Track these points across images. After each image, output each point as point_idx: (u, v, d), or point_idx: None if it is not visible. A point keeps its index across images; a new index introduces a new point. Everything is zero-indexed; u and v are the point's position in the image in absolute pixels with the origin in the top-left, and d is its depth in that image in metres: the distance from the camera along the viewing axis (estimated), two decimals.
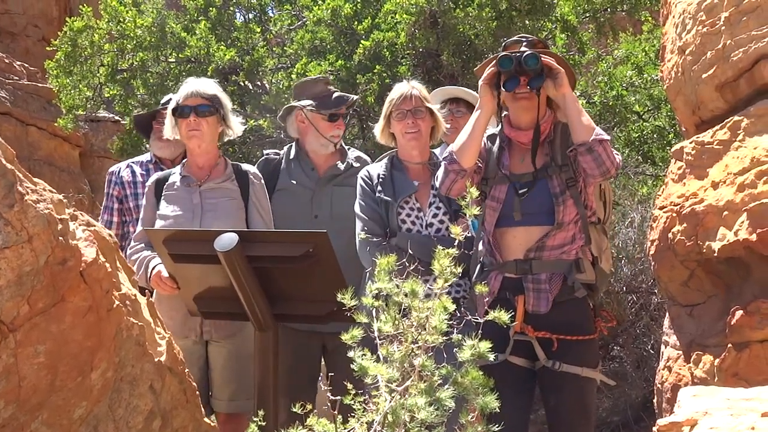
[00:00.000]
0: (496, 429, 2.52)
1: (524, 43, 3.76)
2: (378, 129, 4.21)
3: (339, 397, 2.40)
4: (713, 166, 3.84)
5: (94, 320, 2.73)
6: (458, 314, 2.62)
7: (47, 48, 9.76)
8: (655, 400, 4.56)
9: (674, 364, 4.16)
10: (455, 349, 2.49)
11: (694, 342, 4.00)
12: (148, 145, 5.62)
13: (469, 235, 3.82)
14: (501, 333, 3.37)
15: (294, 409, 2.54)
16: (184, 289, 3.94)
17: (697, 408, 2.35)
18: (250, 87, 8.32)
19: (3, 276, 2.39)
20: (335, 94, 4.77)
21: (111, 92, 8.66)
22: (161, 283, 4.02)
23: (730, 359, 3.66)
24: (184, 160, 4.42)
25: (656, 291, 6.85)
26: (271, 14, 9.29)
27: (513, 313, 3.38)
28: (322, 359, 4.62)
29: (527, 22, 7.59)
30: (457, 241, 2.65)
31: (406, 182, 4.10)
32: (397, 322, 2.48)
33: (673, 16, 4.31)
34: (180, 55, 8.07)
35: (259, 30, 8.47)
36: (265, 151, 4.98)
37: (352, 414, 2.40)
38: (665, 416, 3.30)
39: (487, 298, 3.60)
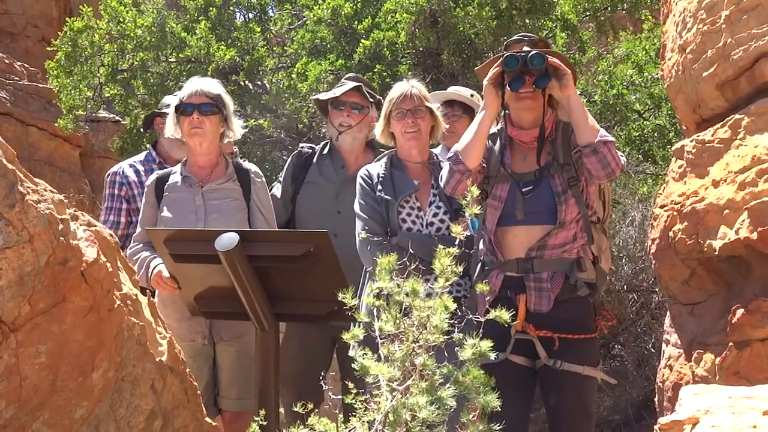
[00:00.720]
0: (497, 428, 2.52)
1: (526, 42, 3.76)
2: (378, 128, 4.21)
3: (340, 396, 2.41)
4: (714, 164, 3.84)
5: (95, 320, 2.73)
6: (459, 313, 2.63)
7: (47, 48, 9.76)
8: (656, 399, 4.56)
9: (675, 363, 4.16)
10: (456, 348, 2.49)
11: (695, 340, 4.00)
12: (148, 145, 5.60)
13: (469, 234, 3.82)
14: (502, 332, 3.37)
15: (296, 408, 2.54)
16: (184, 288, 3.94)
17: (698, 406, 2.35)
18: (251, 87, 8.33)
19: (4, 276, 2.39)
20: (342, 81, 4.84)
21: (111, 92, 8.66)
22: (162, 282, 4.02)
23: (731, 358, 3.66)
24: (184, 159, 4.41)
25: (657, 290, 6.85)
26: (271, 14, 9.29)
27: (514, 312, 3.38)
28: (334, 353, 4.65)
29: (527, 20, 7.59)
30: (458, 240, 2.65)
31: (406, 181, 4.10)
32: (398, 322, 2.48)
33: (674, 15, 4.31)
34: (180, 55, 8.07)
35: (259, 30, 8.47)
36: (300, 145, 5.00)
37: (353, 413, 2.41)
38: (666, 415, 3.30)
39: (488, 297, 3.60)
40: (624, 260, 7.67)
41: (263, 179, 4.43)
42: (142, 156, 5.27)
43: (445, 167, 3.73)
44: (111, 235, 3.13)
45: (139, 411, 3.03)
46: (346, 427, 2.35)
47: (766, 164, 3.51)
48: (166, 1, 9.01)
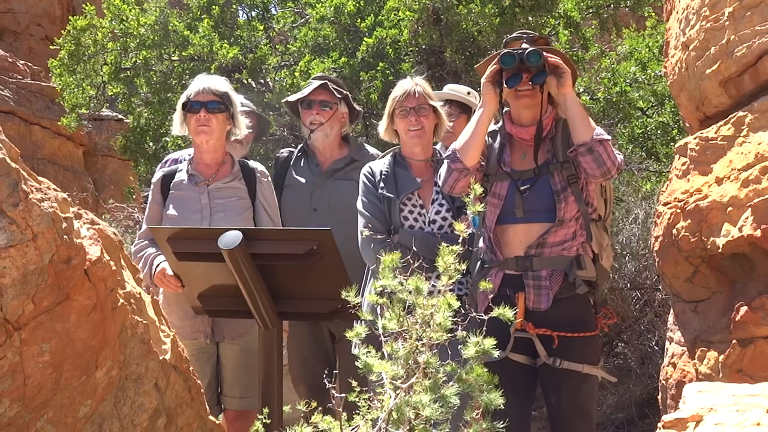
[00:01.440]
0: (499, 426, 2.52)
1: (525, 39, 3.75)
2: (382, 126, 4.21)
3: (344, 395, 2.40)
4: (717, 161, 3.84)
5: (99, 319, 2.73)
6: (462, 311, 2.62)
7: (50, 47, 9.75)
8: (659, 397, 4.56)
9: (679, 361, 4.16)
10: (459, 346, 2.49)
11: (699, 338, 4.00)
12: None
13: (471, 231, 3.82)
14: (501, 330, 3.37)
15: (299, 407, 2.54)
16: (188, 287, 3.94)
17: (702, 404, 2.35)
18: (253, 85, 8.31)
19: (8, 275, 2.40)
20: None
21: (114, 91, 8.66)
22: (165, 280, 4.02)
23: (735, 355, 3.66)
24: (189, 157, 4.41)
25: (660, 287, 6.84)
26: (274, 12, 9.29)
27: (514, 311, 3.38)
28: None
29: (530, 18, 7.57)
30: (461, 238, 2.65)
31: (408, 179, 4.10)
32: (401, 320, 2.47)
33: (677, 12, 4.30)
34: (183, 54, 8.06)
35: (262, 28, 8.46)
36: (279, 151, 5.05)
37: (357, 411, 2.41)
38: (670, 412, 3.30)
39: (491, 295, 3.60)
40: (627, 258, 7.67)
41: (269, 178, 4.43)
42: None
43: (444, 165, 3.73)
44: (114, 233, 3.13)
45: (143, 409, 3.03)
46: (349, 426, 2.35)
47: None
48: (169, 0, 9.01)
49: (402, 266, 2.62)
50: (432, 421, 2.32)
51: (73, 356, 2.64)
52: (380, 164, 4.19)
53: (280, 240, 3.67)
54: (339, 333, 4.41)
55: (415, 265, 2.62)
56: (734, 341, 3.67)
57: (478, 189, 2.81)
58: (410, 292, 2.51)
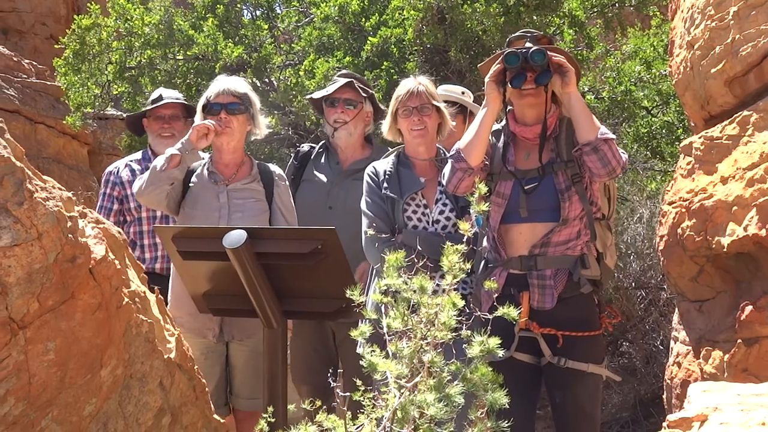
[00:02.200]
0: (504, 425, 2.52)
1: (529, 39, 3.75)
2: (385, 125, 4.21)
3: (348, 394, 2.41)
4: (722, 161, 3.83)
5: (104, 317, 2.74)
6: (467, 310, 2.62)
7: (55, 46, 9.76)
8: (664, 396, 4.55)
9: (684, 360, 4.16)
10: (464, 346, 2.49)
11: (704, 337, 3.99)
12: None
13: (475, 231, 3.82)
14: (506, 329, 3.37)
15: (304, 406, 2.54)
16: (193, 286, 3.95)
17: (707, 403, 2.35)
18: (258, 84, 8.31)
19: (13, 273, 2.40)
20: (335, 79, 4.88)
21: (119, 90, 8.66)
22: (196, 129, 4.08)
23: (740, 355, 3.66)
24: (209, 156, 4.41)
25: (665, 287, 6.83)
26: (278, 11, 9.28)
27: (519, 310, 3.38)
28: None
29: (535, 17, 7.56)
30: (466, 237, 2.64)
31: (412, 179, 4.10)
32: (406, 319, 2.47)
33: (682, 11, 4.29)
34: (188, 53, 8.06)
35: (266, 27, 8.46)
36: (300, 145, 5.04)
37: (361, 410, 2.41)
38: (675, 412, 3.29)
39: (495, 294, 3.60)
40: (632, 257, 7.65)
41: (287, 182, 4.44)
42: (139, 155, 5.22)
43: (447, 165, 3.73)
44: (119, 232, 3.14)
45: (148, 408, 3.04)
46: (354, 425, 2.35)
47: None
48: None
49: (406, 265, 2.62)
50: (436, 420, 2.32)
51: (78, 355, 2.64)
52: (384, 164, 4.19)
53: (285, 239, 3.67)
54: (342, 333, 4.41)
55: (419, 265, 2.61)
56: (739, 341, 3.67)
57: (483, 188, 2.80)
58: (415, 291, 2.51)
